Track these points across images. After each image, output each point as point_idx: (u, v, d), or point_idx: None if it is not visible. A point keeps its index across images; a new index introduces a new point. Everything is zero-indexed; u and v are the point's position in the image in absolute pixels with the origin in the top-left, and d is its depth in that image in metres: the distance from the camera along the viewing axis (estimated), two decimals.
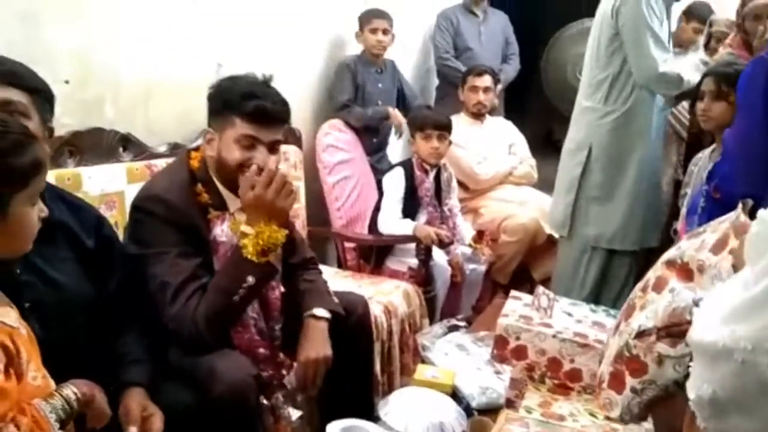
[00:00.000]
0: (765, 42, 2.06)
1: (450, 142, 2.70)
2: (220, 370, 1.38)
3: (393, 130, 3.13)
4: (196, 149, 1.64)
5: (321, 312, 1.64)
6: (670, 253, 1.17)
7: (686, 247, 1.13)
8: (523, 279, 3.09)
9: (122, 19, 2.04)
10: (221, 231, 1.56)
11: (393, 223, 2.60)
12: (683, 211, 2.19)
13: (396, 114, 3.07)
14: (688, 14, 3.16)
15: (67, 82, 1.87)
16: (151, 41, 2.15)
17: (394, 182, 2.66)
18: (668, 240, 2.45)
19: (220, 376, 1.37)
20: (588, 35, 2.67)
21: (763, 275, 0.61)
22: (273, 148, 1.55)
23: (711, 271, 1.07)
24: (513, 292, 1.88)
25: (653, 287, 1.14)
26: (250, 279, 1.45)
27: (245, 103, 1.51)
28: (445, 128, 2.65)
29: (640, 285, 1.21)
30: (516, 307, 1.74)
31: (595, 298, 2.60)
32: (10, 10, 1.68)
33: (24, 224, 1.00)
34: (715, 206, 1.93)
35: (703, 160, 2.25)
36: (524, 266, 3.12)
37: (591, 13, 2.66)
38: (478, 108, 3.19)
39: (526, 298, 1.82)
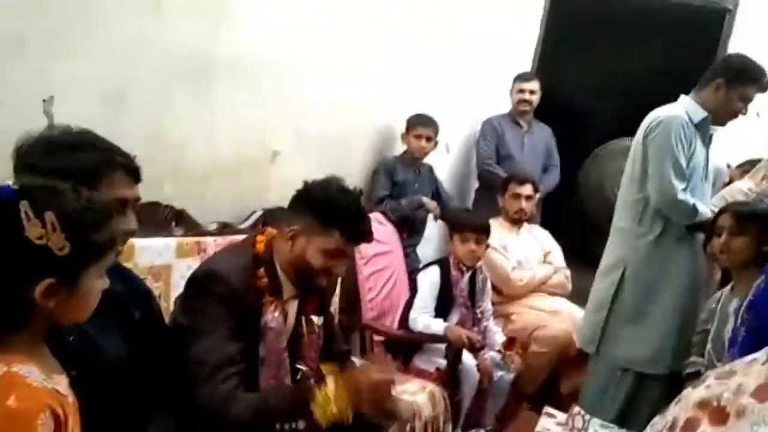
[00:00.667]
0: None
1: (487, 246, 2.73)
2: None
3: (431, 216, 3.25)
4: (263, 233, 1.69)
5: None
6: (700, 393, 1.13)
7: (720, 390, 1.10)
8: (550, 391, 3.02)
9: (191, 105, 2.18)
10: (272, 317, 1.58)
11: (425, 320, 2.60)
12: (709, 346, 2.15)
13: (429, 201, 3.19)
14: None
15: (134, 157, 1.98)
16: (213, 127, 2.29)
17: (429, 280, 2.68)
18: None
19: None
20: (627, 154, 2.73)
21: None
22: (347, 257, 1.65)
23: (753, 418, 1.04)
24: (546, 409, 1.84)
25: (682, 429, 1.10)
26: (301, 425, 1.45)
27: (352, 224, 1.60)
28: (483, 232, 2.69)
29: (665, 422, 1.17)
30: (549, 425, 1.71)
31: (623, 420, 2.51)
32: (98, 91, 1.82)
33: (90, 296, 1.03)
34: (750, 337, 1.90)
35: (724, 298, 2.24)
36: (552, 377, 3.06)
37: (631, 133, 2.73)
38: (519, 215, 3.24)
39: (560, 415, 1.78)
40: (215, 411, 1.45)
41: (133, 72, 1.92)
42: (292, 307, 1.67)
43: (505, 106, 3.88)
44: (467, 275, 2.71)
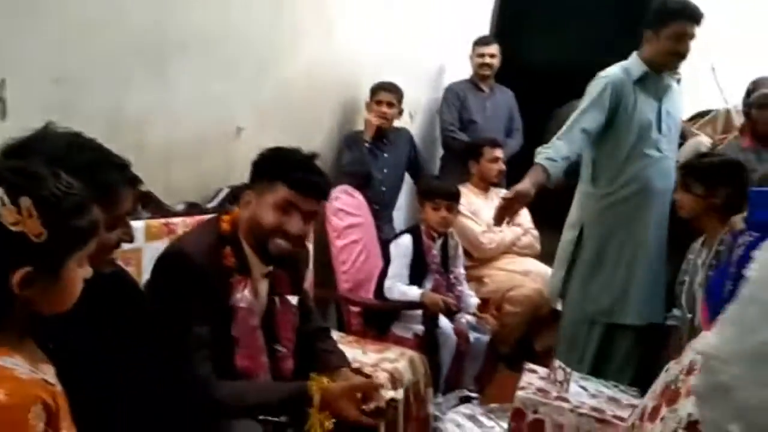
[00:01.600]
0: None
1: (458, 212, 2.75)
2: None
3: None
4: (228, 212, 1.66)
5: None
6: (663, 378, 1.14)
7: (676, 372, 1.11)
8: (524, 350, 3.09)
9: (150, 84, 2.11)
10: (241, 296, 1.56)
11: (400, 288, 2.62)
12: (700, 296, 2.21)
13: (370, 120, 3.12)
14: None
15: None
16: (174, 104, 2.22)
17: (402, 248, 2.69)
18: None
19: None
20: None
21: None
22: (308, 218, 1.59)
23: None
24: (527, 365, 1.88)
25: (649, 416, 1.11)
26: (284, 419, 1.47)
27: (292, 171, 1.57)
28: (454, 198, 2.72)
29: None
30: (532, 380, 1.75)
31: (596, 372, 2.58)
32: (51, 71, 1.74)
33: (71, 285, 1.00)
34: None
35: (696, 251, 2.31)
36: (526, 337, 3.13)
37: None
38: (499, 177, 3.31)
39: (541, 370, 1.83)
40: (195, 395, 1.42)
41: (88, 50, 1.84)
42: (263, 286, 1.65)
43: (466, 72, 3.88)
44: (439, 242, 2.74)
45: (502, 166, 3.31)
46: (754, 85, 2.54)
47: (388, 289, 2.64)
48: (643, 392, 1.59)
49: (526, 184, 2.35)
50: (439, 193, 2.68)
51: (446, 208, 2.67)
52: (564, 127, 2.49)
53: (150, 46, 2.07)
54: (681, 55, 2.49)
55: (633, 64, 2.53)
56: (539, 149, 2.45)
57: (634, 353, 2.62)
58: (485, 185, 3.32)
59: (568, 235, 2.70)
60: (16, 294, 0.93)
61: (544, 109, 4.55)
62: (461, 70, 3.91)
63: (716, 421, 0.75)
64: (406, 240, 2.70)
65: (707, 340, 0.87)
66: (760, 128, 2.56)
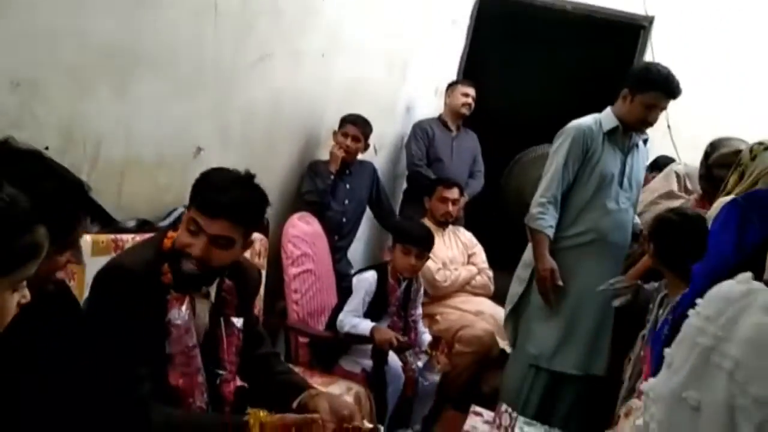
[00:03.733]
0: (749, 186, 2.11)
1: (427, 258, 2.72)
2: None
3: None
4: (175, 229, 1.63)
5: None
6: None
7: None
8: (472, 390, 3.08)
9: (111, 97, 2.07)
10: (177, 313, 1.53)
11: (351, 321, 2.57)
12: (641, 342, 2.23)
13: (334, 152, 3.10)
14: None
15: (46, 148, 1.86)
16: (134, 120, 2.18)
17: (365, 284, 2.62)
18: (617, 369, 2.48)
19: None
20: (545, 160, 2.77)
21: None
22: (217, 242, 1.52)
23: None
24: (473, 407, 1.87)
25: None
26: None
27: (200, 191, 1.54)
28: (426, 246, 2.66)
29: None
30: (477, 424, 1.74)
31: (541, 417, 2.56)
32: (8, 78, 1.69)
33: (1, 308, 0.91)
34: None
35: (656, 305, 2.33)
36: (475, 377, 3.12)
37: (551, 140, 2.75)
38: (445, 218, 3.29)
39: (487, 413, 1.82)
40: (128, 412, 1.39)
41: (50, 58, 1.79)
42: (203, 306, 1.62)
43: (432, 112, 3.93)
44: (404, 284, 2.69)
45: (449, 207, 3.30)
46: (712, 147, 2.56)
47: (339, 322, 2.57)
48: None
49: (549, 260, 2.53)
50: (411, 239, 2.61)
51: (416, 255, 2.61)
52: (547, 184, 2.56)
53: (114, 59, 2.03)
54: (649, 124, 2.58)
55: (605, 117, 2.60)
56: (534, 214, 2.56)
57: (580, 404, 2.63)
58: (442, 223, 3.33)
59: (520, 275, 2.72)
60: None
61: (505, 153, 4.65)
62: (428, 109, 3.96)
63: None
64: (372, 276, 2.62)
65: (651, 379, 0.89)
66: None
